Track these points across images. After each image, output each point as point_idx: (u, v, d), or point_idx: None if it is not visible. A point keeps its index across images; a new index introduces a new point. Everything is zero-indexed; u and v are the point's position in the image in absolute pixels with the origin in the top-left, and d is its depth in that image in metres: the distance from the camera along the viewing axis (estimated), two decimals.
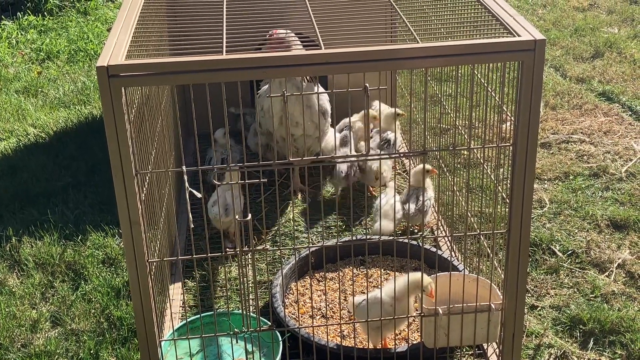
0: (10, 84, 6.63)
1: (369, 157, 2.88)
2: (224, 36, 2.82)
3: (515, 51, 2.59)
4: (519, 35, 2.63)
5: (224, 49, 2.68)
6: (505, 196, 2.96)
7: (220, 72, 2.52)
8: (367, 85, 2.64)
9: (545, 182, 4.84)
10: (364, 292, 3.33)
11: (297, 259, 3.78)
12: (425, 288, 3.07)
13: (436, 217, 4.21)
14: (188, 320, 3.30)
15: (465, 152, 3.00)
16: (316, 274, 3.88)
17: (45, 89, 6.53)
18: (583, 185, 4.76)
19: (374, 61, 2.57)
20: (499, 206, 3.02)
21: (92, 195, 4.82)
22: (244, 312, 3.03)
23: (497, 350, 3.23)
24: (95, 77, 2.45)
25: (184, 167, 2.71)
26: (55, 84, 6.65)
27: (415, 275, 3.14)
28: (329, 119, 4.49)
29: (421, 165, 3.99)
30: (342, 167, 4.41)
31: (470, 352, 3.37)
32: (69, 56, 7.31)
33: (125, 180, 2.62)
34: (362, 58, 2.55)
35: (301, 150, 4.38)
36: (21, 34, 7.80)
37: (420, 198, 4.03)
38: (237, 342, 3.22)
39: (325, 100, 4.48)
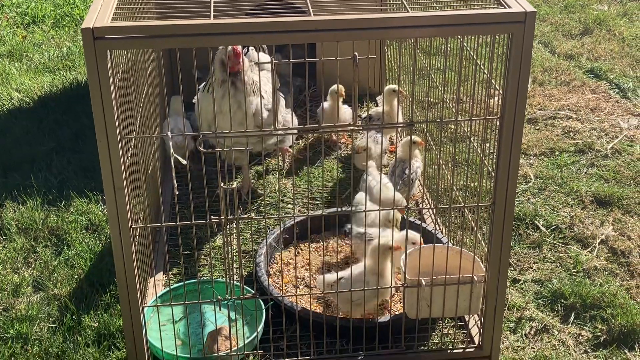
0: None
1: (356, 127, 2.86)
2: (212, 0, 2.79)
3: (505, 23, 2.58)
4: (509, 7, 2.61)
5: (212, 13, 2.64)
6: (490, 170, 2.97)
7: (208, 36, 2.49)
8: (356, 54, 2.62)
9: (531, 157, 4.85)
10: (331, 270, 3.34)
11: (282, 229, 3.78)
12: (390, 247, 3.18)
13: (422, 190, 4.22)
14: (171, 287, 3.30)
15: (453, 126, 3.00)
16: (301, 244, 3.88)
17: (30, 53, 6.45)
18: (568, 162, 4.78)
19: (363, 29, 2.55)
20: (484, 180, 3.02)
21: (76, 161, 4.78)
22: (228, 280, 3.03)
23: (478, 322, 3.25)
24: (81, 42, 2.41)
25: (169, 133, 2.69)
26: (40, 48, 6.57)
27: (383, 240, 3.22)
28: (269, 125, 4.03)
29: (411, 138, 3.99)
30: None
31: (452, 324, 3.39)
32: (55, 21, 7.22)
33: (109, 144, 2.59)
34: (352, 26, 2.53)
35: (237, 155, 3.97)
36: None
37: (407, 171, 4.03)
38: (220, 309, 3.22)
39: (263, 111, 3.98)
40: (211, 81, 3.82)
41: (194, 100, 4.37)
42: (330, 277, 3.36)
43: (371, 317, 3.29)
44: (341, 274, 3.33)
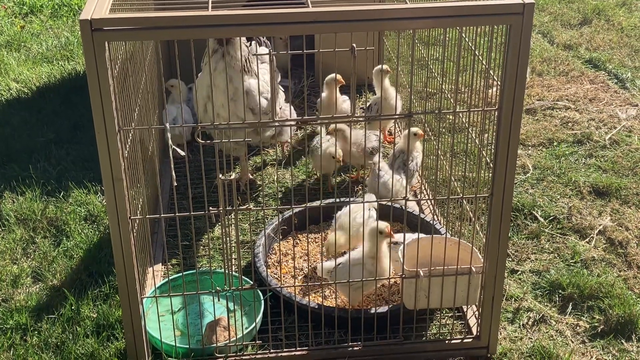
0: None
1: (354, 118, 2.86)
2: None
3: (503, 14, 2.58)
4: None
5: (210, 4, 2.64)
6: (489, 161, 2.97)
7: (206, 28, 2.48)
8: (354, 45, 2.62)
9: (530, 148, 4.86)
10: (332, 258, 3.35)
11: (280, 219, 3.78)
12: (382, 230, 3.22)
13: (420, 181, 4.22)
14: (170, 278, 3.31)
15: (451, 117, 3.00)
16: (299, 235, 3.89)
17: (28, 43, 6.44)
18: (567, 152, 4.78)
19: (361, 21, 2.55)
20: (482, 171, 3.03)
21: (75, 151, 4.78)
22: (226, 271, 3.03)
23: (476, 313, 3.26)
24: (79, 32, 2.41)
25: (167, 125, 2.69)
26: (38, 38, 6.56)
27: (373, 224, 3.25)
28: (267, 116, 3.94)
29: (411, 129, 3.99)
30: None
31: (450, 314, 3.41)
32: (53, 11, 7.20)
33: (108, 136, 2.59)
34: (350, 17, 2.53)
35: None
36: None
37: (407, 162, 4.03)
38: (218, 300, 3.23)
39: (257, 94, 3.74)
40: (207, 52, 3.80)
41: (189, 86, 4.37)
42: (330, 263, 3.37)
43: (369, 307, 3.30)
44: (339, 260, 3.34)
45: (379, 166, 3.98)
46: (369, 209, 3.58)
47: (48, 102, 5.40)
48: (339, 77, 4.53)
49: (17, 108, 5.33)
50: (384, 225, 3.24)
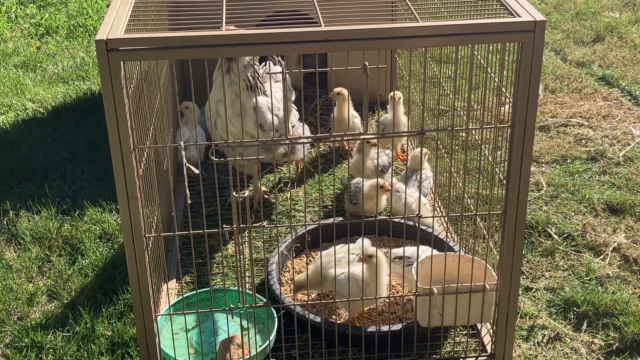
0: (9, 59, 6.61)
1: (367, 136, 2.88)
2: (224, 11, 2.82)
3: (515, 32, 2.59)
4: (519, 16, 2.62)
5: (224, 24, 2.67)
6: (502, 178, 2.97)
7: (219, 47, 2.51)
8: (366, 63, 2.63)
9: (543, 165, 4.85)
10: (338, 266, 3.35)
11: (293, 237, 3.79)
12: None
13: (433, 198, 4.22)
14: (184, 295, 3.31)
15: (464, 134, 3.01)
16: (312, 252, 3.89)
17: (44, 64, 6.51)
18: (580, 169, 4.77)
19: (373, 39, 2.56)
20: (495, 188, 3.02)
21: (90, 170, 4.82)
22: (240, 289, 3.04)
23: (491, 330, 3.25)
24: (95, 53, 2.44)
25: (181, 143, 2.71)
26: (54, 59, 6.63)
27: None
28: (277, 133, 3.95)
29: (419, 150, 3.99)
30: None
31: (464, 332, 3.39)
32: (68, 31, 7.28)
33: (123, 155, 2.62)
34: (362, 36, 2.55)
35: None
36: (20, 9, 7.76)
37: (419, 179, 4.03)
38: (232, 318, 3.24)
39: (266, 111, 4.00)
40: (218, 66, 3.84)
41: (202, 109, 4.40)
42: (333, 271, 3.36)
43: (366, 323, 3.29)
44: (339, 270, 3.32)
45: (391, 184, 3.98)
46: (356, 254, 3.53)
47: (64, 121, 5.45)
48: (342, 90, 4.50)
49: (33, 127, 5.38)
50: (367, 250, 3.23)
